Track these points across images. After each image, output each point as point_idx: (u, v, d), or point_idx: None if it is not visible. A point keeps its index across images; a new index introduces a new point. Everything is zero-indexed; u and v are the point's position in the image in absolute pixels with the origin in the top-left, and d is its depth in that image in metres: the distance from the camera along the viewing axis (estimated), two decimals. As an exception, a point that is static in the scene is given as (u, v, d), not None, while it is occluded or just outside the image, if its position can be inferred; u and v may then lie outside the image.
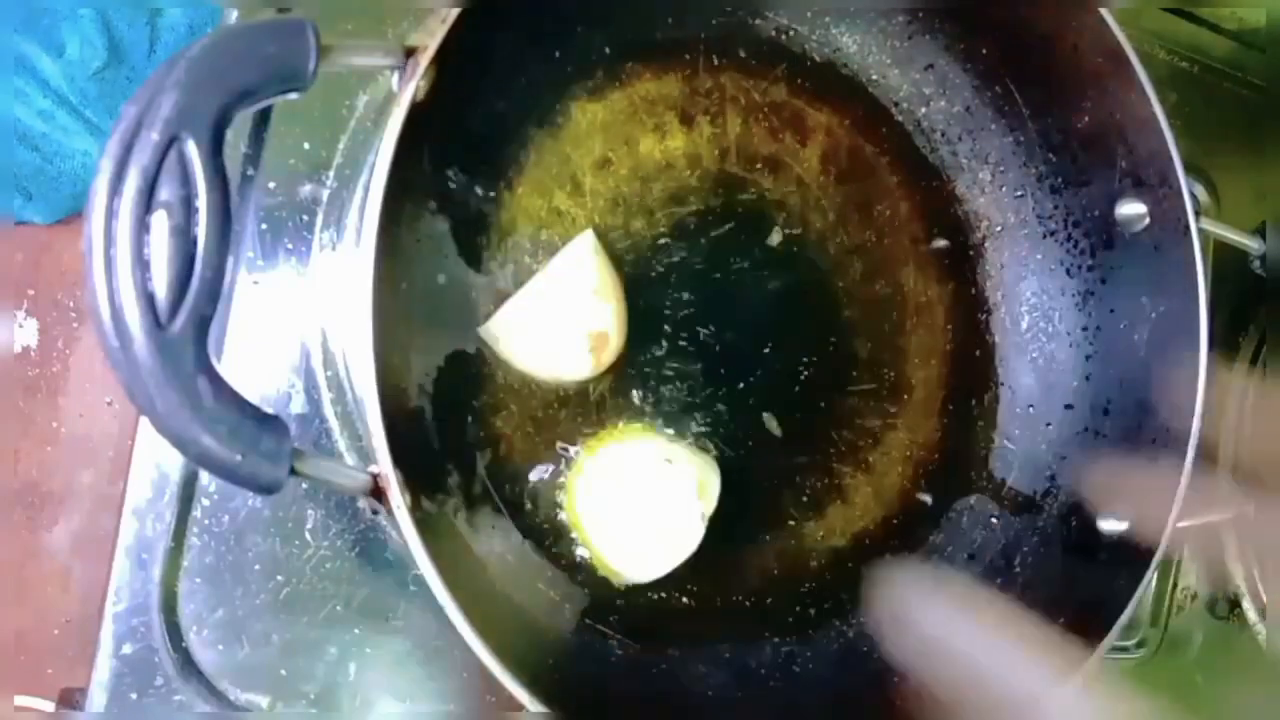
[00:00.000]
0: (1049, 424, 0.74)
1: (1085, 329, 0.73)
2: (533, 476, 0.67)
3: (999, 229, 0.76)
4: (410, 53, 0.52)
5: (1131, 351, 0.70)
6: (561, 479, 0.68)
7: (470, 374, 0.67)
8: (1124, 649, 0.82)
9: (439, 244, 0.65)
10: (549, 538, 0.67)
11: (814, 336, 0.74)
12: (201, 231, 0.42)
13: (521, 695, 0.52)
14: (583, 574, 0.67)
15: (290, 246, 0.66)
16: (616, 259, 0.69)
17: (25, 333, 0.86)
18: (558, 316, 0.65)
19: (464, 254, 0.66)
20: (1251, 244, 0.72)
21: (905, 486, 0.75)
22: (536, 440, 0.68)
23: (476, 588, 0.59)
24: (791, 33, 0.75)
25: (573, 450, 0.68)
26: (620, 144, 0.71)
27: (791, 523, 0.72)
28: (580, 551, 0.67)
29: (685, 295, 0.71)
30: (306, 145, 0.66)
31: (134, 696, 0.61)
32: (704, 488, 0.66)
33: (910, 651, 0.66)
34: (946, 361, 0.77)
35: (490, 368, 0.67)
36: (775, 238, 0.73)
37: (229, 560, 0.63)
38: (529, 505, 0.67)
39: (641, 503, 0.65)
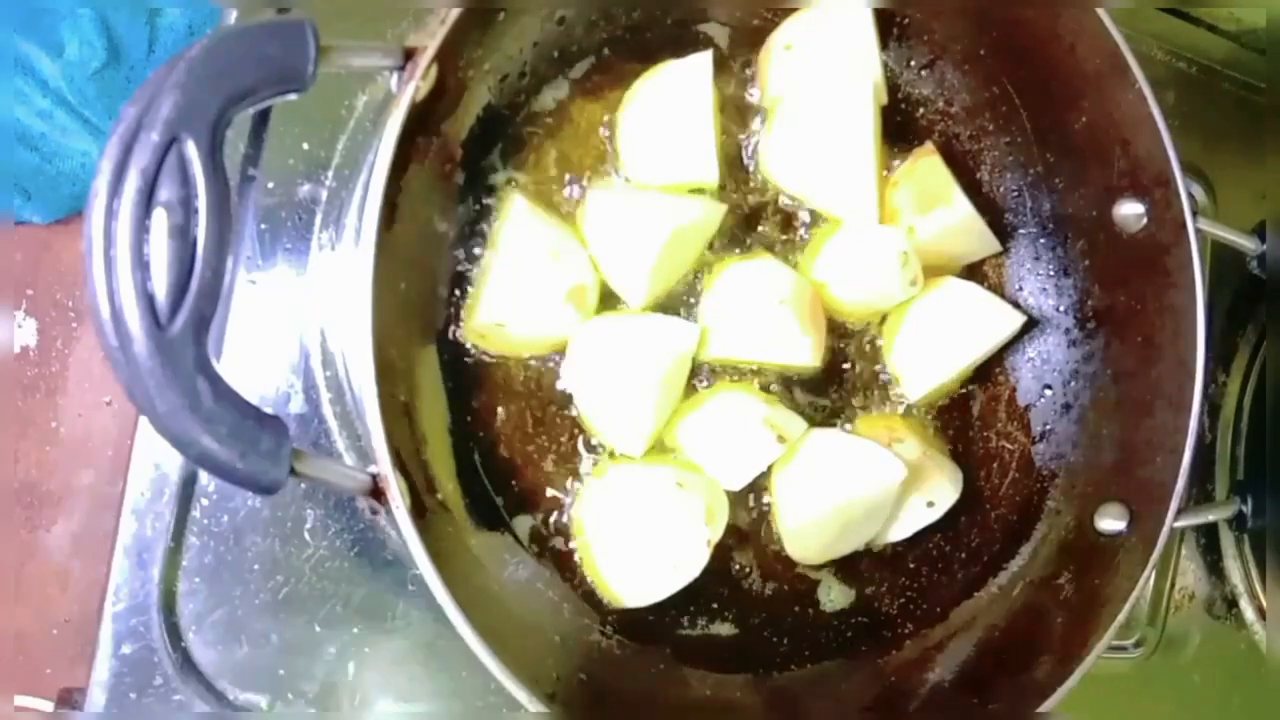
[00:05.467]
0: (1046, 423, 0.75)
1: (1082, 329, 0.73)
2: (533, 478, 0.68)
3: (996, 229, 0.76)
4: (409, 53, 0.52)
5: (1129, 351, 0.70)
6: (564, 480, 0.68)
7: (470, 373, 0.67)
8: (1122, 648, 0.82)
9: (438, 244, 0.65)
10: (549, 539, 0.67)
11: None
12: (201, 232, 0.42)
13: (521, 695, 0.52)
14: (582, 576, 0.67)
15: (289, 246, 0.66)
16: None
17: (24, 332, 0.86)
18: (527, 288, 0.65)
19: (463, 254, 0.66)
20: (1249, 244, 0.72)
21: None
22: (537, 441, 0.68)
23: (475, 587, 0.59)
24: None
25: (577, 451, 0.68)
26: (619, 144, 0.71)
27: (790, 522, 0.72)
28: (582, 563, 0.67)
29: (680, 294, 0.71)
30: (306, 145, 0.66)
31: (133, 696, 0.61)
32: (713, 514, 0.65)
33: None
34: (945, 361, 0.77)
35: (490, 367, 0.67)
36: (773, 237, 0.73)
37: (228, 560, 0.63)
38: (529, 506, 0.67)
39: (649, 526, 0.65)
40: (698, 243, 0.69)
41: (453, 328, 0.66)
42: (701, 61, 0.68)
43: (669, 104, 0.68)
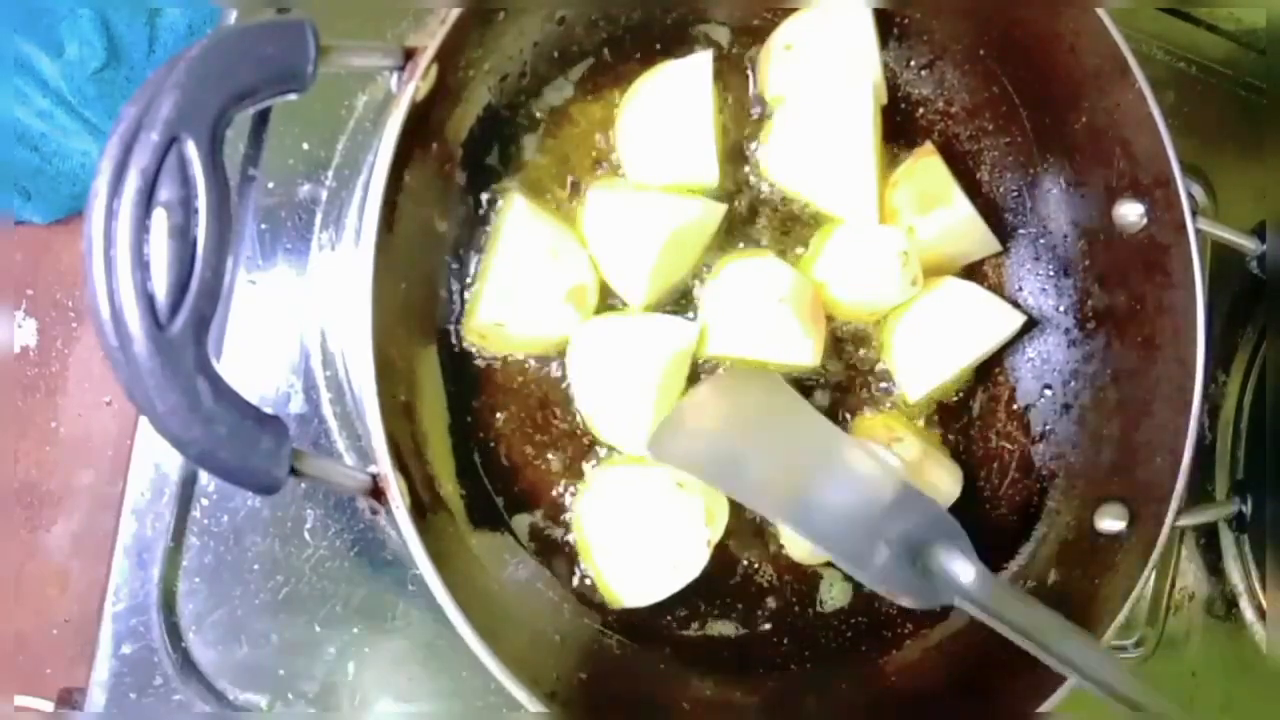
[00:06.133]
0: (1046, 423, 0.75)
1: (1082, 329, 0.73)
2: (533, 477, 0.68)
3: (996, 229, 0.76)
4: (409, 53, 0.52)
5: (1129, 351, 0.70)
6: (564, 482, 0.68)
7: (470, 373, 0.67)
8: (1122, 648, 0.82)
9: (438, 244, 0.65)
10: (549, 539, 0.67)
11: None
12: (201, 232, 0.42)
13: (521, 695, 0.52)
14: (582, 576, 0.67)
15: (289, 246, 0.66)
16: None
17: (24, 332, 0.86)
18: (527, 288, 0.65)
19: (463, 254, 0.66)
20: (1249, 244, 0.72)
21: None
22: (537, 441, 0.68)
23: (475, 588, 0.59)
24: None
25: (577, 451, 0.68)
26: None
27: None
28: (582, 563, 0.67)
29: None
30: (306, 145, 0.66)
31: (133, 696, 0.61)
32: (712, 514, 0.65)
33: None
34: (945, 361, 0.77)
35: (490, 367, 0.67)
36: (773, 237, 0.73)
37: (228, 560, 0.63)
38: (529, 506, 0.67)
39: (648, 526, 0.65)
40: (697, 242, 0.69)
41: (453, 327, 0.66)
42: (702, 61, 0.68)
43: (669, 104, 0.68)
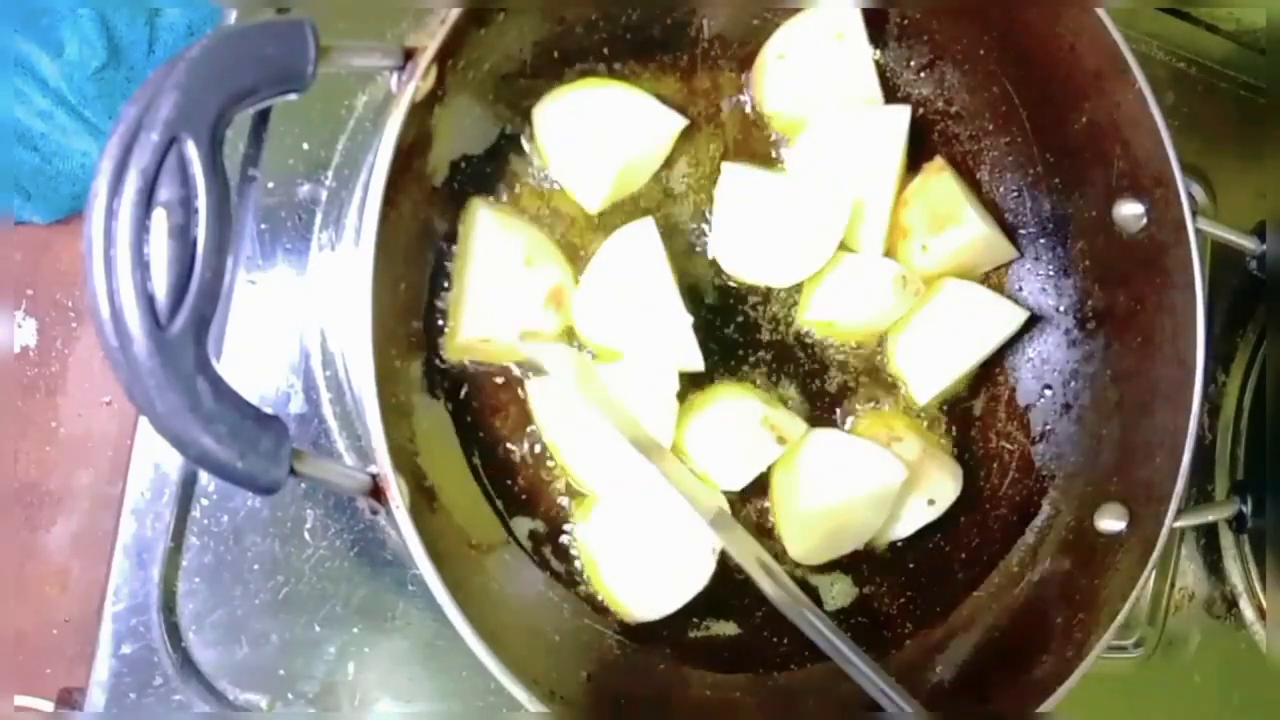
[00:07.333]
0: (1046, 423, 0.75)
1: (1082, 329, 0.73)
2: (532, 478, 0.68)
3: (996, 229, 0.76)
4: (409, 53, 0.52)
5: (1129, 351, 0.70)
6: (563, 481, 0.68)
7: (467, 377, 0.67)
8: (1122, 648, 0.82)
9: (438, 244, 0.65)
10: (549, 539, 0.67)
11: (809, 335, 0.74)
12: (201, 232, 0.42)
13: (521, 695, 0.52)
14: (582, 576, 0.67)
15: (289, 246, 0.66)
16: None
17: (24, 332, 0.86)
18: (507, 301, 0.64)
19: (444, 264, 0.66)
20: (1249, 244, 0.72)
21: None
22: (534, 443, 0.68)
23: (475, 587, 0.59)
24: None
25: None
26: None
27: (790, 522, 0.72)
28: (588, 573, 0.67)
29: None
30: (306, 145, 0.66)
31: (133, 696, 0.61)
32: None
33: None
34: (945, 361, 0.77)
35: (484, 372, 0.67)
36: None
37: (228, 560, 0.63)
38: (529, 506, 0.67)
39: (652, 540, 0.65)
40: (659, 156, 0.70)
41: (439, 341, 0.66)
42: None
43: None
